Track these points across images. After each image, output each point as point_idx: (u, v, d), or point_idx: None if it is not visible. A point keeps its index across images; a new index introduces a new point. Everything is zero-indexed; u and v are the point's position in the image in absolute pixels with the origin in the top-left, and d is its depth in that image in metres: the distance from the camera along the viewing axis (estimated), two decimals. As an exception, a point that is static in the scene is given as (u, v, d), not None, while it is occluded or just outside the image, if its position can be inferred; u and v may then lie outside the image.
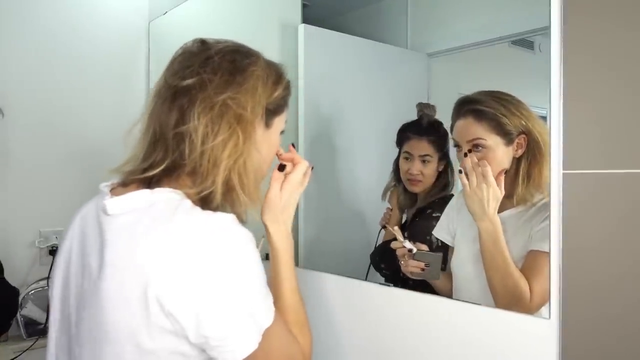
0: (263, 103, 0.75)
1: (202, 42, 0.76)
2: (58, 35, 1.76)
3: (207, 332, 0.62)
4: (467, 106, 0.93)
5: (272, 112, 0.78)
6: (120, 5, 1.91)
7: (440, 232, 1.02)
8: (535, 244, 0.84)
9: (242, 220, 0.71)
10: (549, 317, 0.79)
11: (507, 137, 0.89)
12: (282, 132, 0.84)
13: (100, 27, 1.85)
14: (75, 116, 1.77)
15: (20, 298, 1.49)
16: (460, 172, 0.91)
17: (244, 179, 0.71)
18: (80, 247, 0.72)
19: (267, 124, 0.78)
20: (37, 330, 1.54)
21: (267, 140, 0.79)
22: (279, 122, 0.81)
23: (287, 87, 0.81)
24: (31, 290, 1.56)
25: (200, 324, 0.61)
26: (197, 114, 0.69)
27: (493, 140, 0.89)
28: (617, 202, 0.72)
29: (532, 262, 0.84)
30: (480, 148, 0.90)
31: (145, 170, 0.71)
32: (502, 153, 0.89)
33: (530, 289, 0.83)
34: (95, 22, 1.84)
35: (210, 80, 0.70)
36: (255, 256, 0.66)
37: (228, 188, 0.70)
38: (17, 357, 1.48)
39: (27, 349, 1.49)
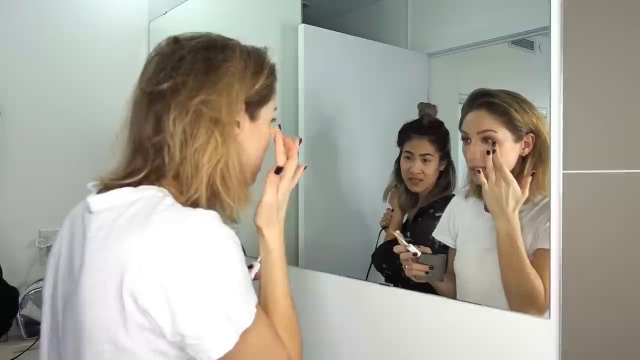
0: (242, 98, 0.73)
1: (175, 41, 0.74)
2: (58, 35, 1.76)
3: (183, 330, 0.61)
4: (482, 99, 0.93)
5: (256, 103, 0.76)
6: (120, 5, 1.91)
7: (440, 234, 1.02)
8: (544, 243, 0.83)
9: (233, 221, 0.70)
10: (549, 317, 0.79)
11: (517, 133, 0.89)
12: (273, 120, 0.82)
13: (100, 27, 1.85)
14: (75, 116, 1.77)
15: (20, 298, 1.49)
16: (478, 171, 0.91)
17: (227, 181, 0.70)
18: (68, 249, 0.72)
19: (253, 117, 0.76)
20: (37, 330, 1.52)
21: (255, 133, 0.77)
22: (267, 112, 0.79)
23: (271, 74, 0.78)
24: (31, 290, 1.56)
25: (175, 322, 0.60)
26: (172, 121, 0.68)
27: (503, 134, 0.89)
28: (617, 202, 0.72)
29: (543, 261, 0.83)
30: (489, 141, 0.90)
31: (125, 177, 0.70)
32: (509, 148, 0.89)
33: (544, 288, 0.82)
34: (95, 22, 1.84)
35: (183, 83, 0.69)
36: (235, 255, 0.64)
37: (212, 192, 0.70)
38: (17, 357, 1.48)
39: (27, 349, 1.49)
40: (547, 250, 0.80)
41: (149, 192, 0.67)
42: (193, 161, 0.68)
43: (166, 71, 0.70)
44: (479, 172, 0.90)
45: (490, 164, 0.89)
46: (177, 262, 0.61)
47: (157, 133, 0.69)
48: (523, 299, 0.85)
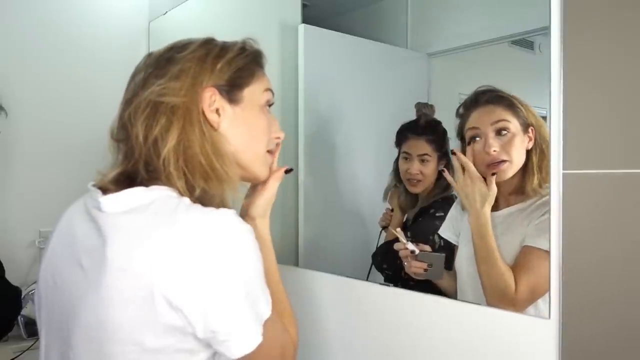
0: (203, 82, 0.72)
1: (148, 55, 0.76)
2: (59, 35, 1.76)
3: (215, 327, 0.62)
4: (486, 95, 0.94)
5: (231, 86, 0.74)
6: (120, 5, 1.91)
7: (445, 231, 1.03)
8: (528, 240, 0.86)
9: (226, 205, 0.70)
10: (549, 317, 0.79)
11: (523, 125, 0.90)
12: (271, 104, 0.81)
13: (100, 27, 1.85)
14: (76, 116, 1.77)
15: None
16: (443, 171, 0.97)
17: (196, 167, 0.69)
18: (69, 250, 0.70)
19: (233, 100, 0.74)
20: (37, 330, 1.54)
21: (241, 118, 0.75)
22: (252, 94, 0.77)
23: (245, 56, 0.76)
24: (31, 290, 1.56)
25: (207, 320, 0.62)
26: (132, 117, 0.70)
27: (515, 125, 0.90)
28: (617, 202, 0.72)
29: (523, 257, 0.87)
30: (504, 132, 0.90)
31: (114, 180, 0.71)
32: (520, 140, 0.90)
33: (516, 282, 0.86)
34: (95, 22, 1.84)
35: (143, 84, 0.71)
36: (256, 251, 0.66)
37: (186, 180, 0.69)
38: (17, 357, 1.48)
39: (27, 349, 1.49)
40: (531, 247, 0.84)
41: (162, 193, 0.67)
42: (157, 150, 0.68)
43: (136, 80, 0.73)
44: (443, 171, 0.94)
45: (457, 164, 0.94)
46: (209, 260, 0.62)
47: (126, 135, 0.71)
48: (493, 293, 0.89)
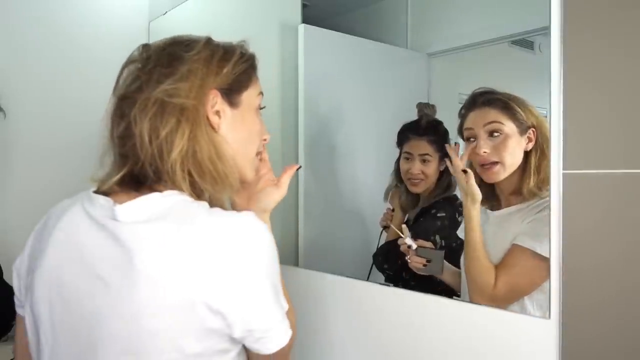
0: (210, 83, 0.72)
1: (144, 46, 0.75)
2: (59, 35, 1.76)
3: (253, 325, 0.64)
4: (482, 97, 0.94)
5: (232, 90, 0.75)
6: (120, 5, 1.91)
7: (461, 232, 1.04)
8: (517, 239, 0.87)
9: (224, 206, 0.70)
10: (549, 317, 0.79)
11: (520, 126, 0.90)
12: (262, 107, 0.82)
13: (100, 27, 1.85)
14: (76, 116, 1.77)
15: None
16: (447, 159, 0.99)
17: (204, 170, 0.69)
18: (78, 263, 0.67)
19: (233, 104, 0.75)
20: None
21: (239, 121, 0.76)
22: (249, 98, 0.78)
23: (244, 61, 0.77)
24: (31, 291, 1.56)
25: (246, 320, 0.63)
26: (138, 117, 0.68)
27: (509, 127, 0.90)
28: (617, 202, 0.72)
29: (508, 254, 0.89)
30: (497, 134, 0.91)
31: (118, 182, 0.70)
32: (516, 142, 0.90)
33: (496, 278, 0.88)
34: (95, 22, 1.84)
35: (147, 79, 0.70)
36: (275, 247, 0.69)
37: (191, 182, 0.69)
38: (17, 357, 1.48)
39: (27, 349, 1.49)
40: (517, 246, 0.86)
41: (178, 198, 0.67)
42: (162, 152, 0.67)
43: (133, 74, 0.72)
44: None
45: (453, 158, 0.97)
46: (242, 261, 0.63)
47: (129, 133, 0.69)
48: (474, 287, 0.92)
